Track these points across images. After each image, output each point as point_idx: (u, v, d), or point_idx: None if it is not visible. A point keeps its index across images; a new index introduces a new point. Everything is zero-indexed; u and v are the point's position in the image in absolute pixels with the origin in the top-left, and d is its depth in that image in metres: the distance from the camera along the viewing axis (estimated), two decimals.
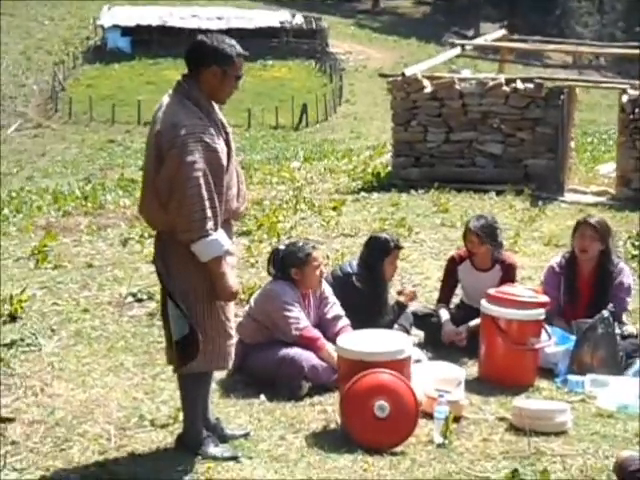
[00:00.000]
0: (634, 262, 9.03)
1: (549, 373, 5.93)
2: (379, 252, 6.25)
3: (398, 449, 4.59)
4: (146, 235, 10.04)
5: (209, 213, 4.05)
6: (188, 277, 4.18)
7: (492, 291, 5.93)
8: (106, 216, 12.05)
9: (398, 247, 6.35)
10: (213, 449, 4.43)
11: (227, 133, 4.31)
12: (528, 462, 4.48)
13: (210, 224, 4.05)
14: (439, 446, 4.67)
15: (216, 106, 4.34)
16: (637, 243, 9.69)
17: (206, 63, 4.22)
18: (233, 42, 4.30)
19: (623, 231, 10.42)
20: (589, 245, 6.34)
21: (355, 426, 4.64)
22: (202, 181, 4.04)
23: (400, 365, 4.83)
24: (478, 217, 6.61)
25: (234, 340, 4.46)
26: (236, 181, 4.31)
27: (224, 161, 4.16)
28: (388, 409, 4.59)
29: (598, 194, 14.05)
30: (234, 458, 4.41)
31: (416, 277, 8.34)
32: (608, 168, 16.35)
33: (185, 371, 4.35)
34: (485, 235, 6.39)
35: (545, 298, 5.94)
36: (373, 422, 4.60)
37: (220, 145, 4.17)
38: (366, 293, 6.14)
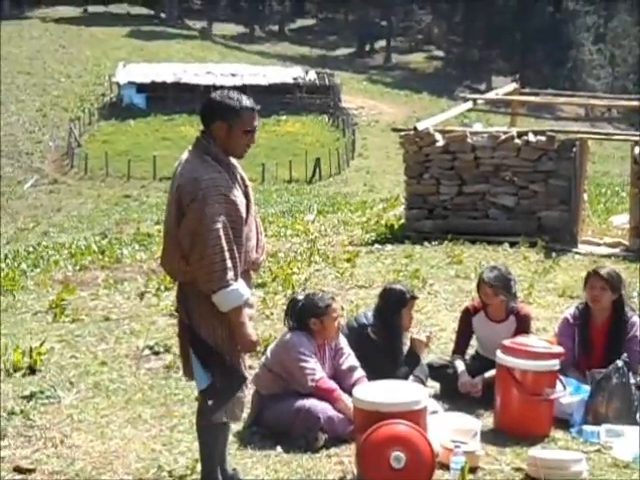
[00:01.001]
0: None
1: (564, 423, 5.94)
2: (395, 303, 6.31)
3: None
4: (162, 288, 10.14)
5: (229, 264, 4.14)
6: (210, 328, 4.26)
7: (507, 342, 5.97)
8: (123, 270, 12.16)
9: (414, 297, 6.42)
10: None
11: (246, 186, 4.42)
12: None
13: (230, 274, 4.14)
14: None
15: (234, 161, 4.44)
16: None
17: (213, 118, 4.32)
18: (240, 96, 4.34)
19: (637, 282, 10.45)
20: (600, 295, 6.38)
21: (372, 477, 4.67)
22: (222, 233, 4.13)
23: (416, 416, 4.87)
24: (491, 268, 6.68)
25: (248, 391, 4.51)
26: (255, 232, 4.41)
27: (243, 213, 4.26)
28: (404, 460, 4.62)
29: (612, 245, 14.07)
30: None
31: (431, 329, 8.35)
32: (622, 219, 16.38)
33: (204, 422, 4.41)
34: (499, 286, 6.44)
35: (559, 349, 5.97)
36: (390, 473, 4.62)
37: (239, 198, 4.27)
38: (382, 344, 6.20)
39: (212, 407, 4.33)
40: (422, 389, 5.39)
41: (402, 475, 4.61)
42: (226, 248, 4.14)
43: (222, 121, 4.29)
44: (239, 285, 4.18)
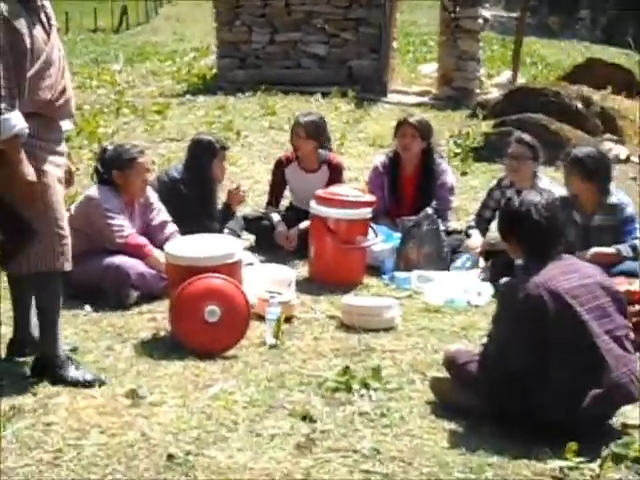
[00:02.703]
0: (456, 160, 9.25)
1: (376, 271, 6.02)
2: (204, 154, 6.07)
3: (230, 353, 4.55)
4: None
5: (2, 92, 3.82)
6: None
7: (320, 192, 5.92)
8: None
9: (224, 147, 6.20)
10: None
11: (51, 25, 4.09)
12: (359, 359, 4.53)
13: (2, 104, 3.82)
14: (271, 347, 4.66)
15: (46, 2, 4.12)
16: (459, 141, 9.90)
17: None
18: None
19: (446, 130, 10.63)
20: (410, 144, 6.40)
21: (186, 332, 4.56)
22: None
23: (231, 269, 4.75)
24: (307, 113, 6.62)
25: (67, 241, 4.20)
26: (55, 75, 4.06)
27: (29, 45, 3.92)
28: (219, 313, 4.53)
29: (420, 94, 14.27)
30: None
31: (246, 182, 8.23)
32: (430, 68, 16.62)
33: (15, 271, 4.16)
34: (312, 130, 6.35)
35: (372, 197, 5.98)
36: (204, 327, 4.53)
37: (30, 31, 3.93)
38: (194, 198, 5.99)
39: (8, 256, 4.11)
40: (236, 242, 5.28)
41: (217, 328, 4.53)
42: (1, 76, 3.81)
43: None
44: (12, 115, 3.85)
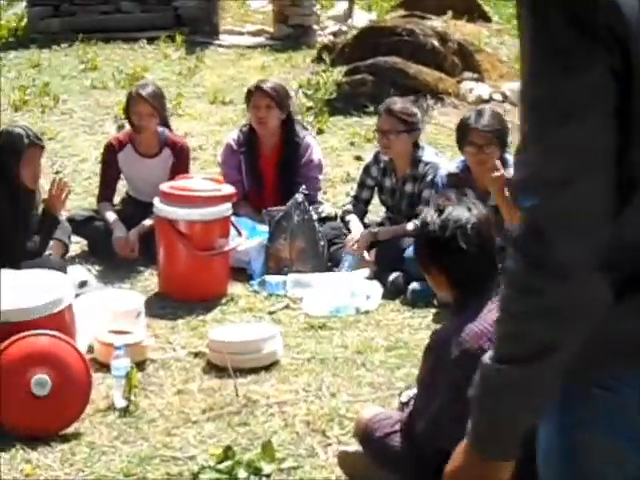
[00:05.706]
0: (309, 115, 8.23)
1: (242, 274, 5.02)
2: (11, 152, 4.72)
3: (70, 430, 3.47)
4: None
5: None
6: None
7: (165, 187, 4.82)
8: None
9: (35, 144, 4.80)
10: None
11: None
12: (239, 421, 3.53)
13: None
14: (122, 414, 3.59)
15: None
16: (310, 92, 8.82)
17: None
18: None
19: (292, 79, 9.55)
20: (266, 117, 5.35)
21: (8, 412, 3.43)
22: None
23: (59, 319, 3.61)
24: (143, 85, 5.60)
25: None
26: None
27: None
28: (50, 383, 3.42)
29: (255, 34, 13.15)
30: None
31: (69, 162, 6.98)
32: (260, 2, 15.47)
33: None
34: (157, 104, 5.26)
35: (230, 189, 4.91)
36: (32, 402, 3.41)
37: None
38: (5, 210, 4.70)
39: None
40: (64, 278, 4.09)
41: (50, 402, 3.42)
42: None
43: None
44: None
